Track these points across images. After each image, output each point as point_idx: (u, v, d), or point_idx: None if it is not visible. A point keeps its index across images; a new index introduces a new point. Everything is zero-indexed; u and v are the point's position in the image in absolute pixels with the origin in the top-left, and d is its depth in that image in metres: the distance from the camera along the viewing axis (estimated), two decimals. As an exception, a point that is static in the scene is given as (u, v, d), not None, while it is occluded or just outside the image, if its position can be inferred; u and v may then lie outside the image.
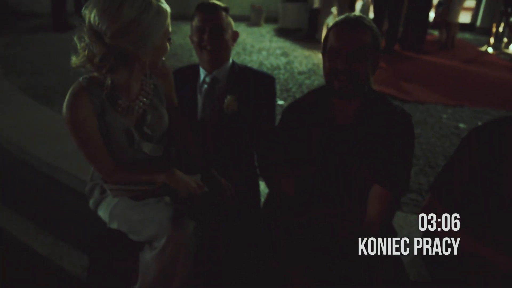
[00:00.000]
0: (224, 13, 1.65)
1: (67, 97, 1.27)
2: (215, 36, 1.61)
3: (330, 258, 1.21)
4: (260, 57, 5.85)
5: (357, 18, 1.28)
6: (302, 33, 7.72)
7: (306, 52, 6.30)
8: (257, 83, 1.74)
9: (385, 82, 4.83)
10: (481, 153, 1.26)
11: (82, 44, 1.22)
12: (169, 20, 1.30)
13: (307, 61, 5.78)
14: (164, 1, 1.28)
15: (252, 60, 5.61)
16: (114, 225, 1.40)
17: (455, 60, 6.29)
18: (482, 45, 7.34)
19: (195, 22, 1.65)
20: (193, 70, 1.77)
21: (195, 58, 1.72)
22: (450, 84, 5.03)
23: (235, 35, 1.72)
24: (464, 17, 9.27)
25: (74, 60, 1.25)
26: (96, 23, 1.18)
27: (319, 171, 1.38)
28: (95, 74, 1.27)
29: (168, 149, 1.54)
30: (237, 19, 9.16)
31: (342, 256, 1.22)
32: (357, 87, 1.28)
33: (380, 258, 1.20)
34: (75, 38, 1.23)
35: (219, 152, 1.71)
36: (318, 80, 4.92)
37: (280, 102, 4.04)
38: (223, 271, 1.38)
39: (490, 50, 7.07)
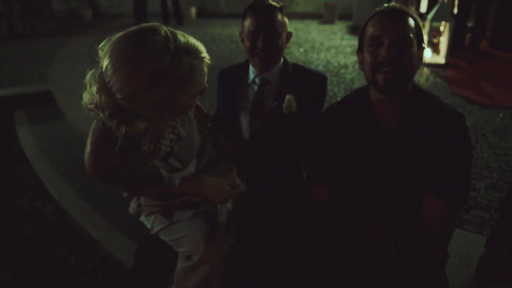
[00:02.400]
0: (279, 14, 1.56)
1: (89, 139, 1.14)
2: (269, 43, 1.54)
3: (335, 261, 1.12)
4: (328, 55, 5.68)
5: (397, 6, 1.20)
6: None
7: (378, 51, 5.97)
8: (311, 82, 1.67)
9: (463, 83, 4.38)
10: None
11: (93, 88, 1.00)
12: (205, 75, 1.05)
13: (377, 60, 5.46)
14: (202, 50, 1.03)
15: (319, 59, 5.47)
16: (155, 231, 1.41)
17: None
18: None
19: (248, 24, 1.56)
20: (243, 68, 1.75)
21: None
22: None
23: (289, 36, 1.66)
24: None
25: (85, 97, 1.04)
26: (107, 77, 0.95)
27: (354, 177, 1.27)
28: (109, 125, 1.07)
29: (200, 159, 1.45)
30: (309, 16, 9.13)
31: (347, 260, 1.13)
32: (404, 79, 1.16)
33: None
34: (87, 76, 1.01)
35: (270, 158, 1.68)
36: (387, 80, 4.61)
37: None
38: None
39: None
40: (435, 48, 5.30)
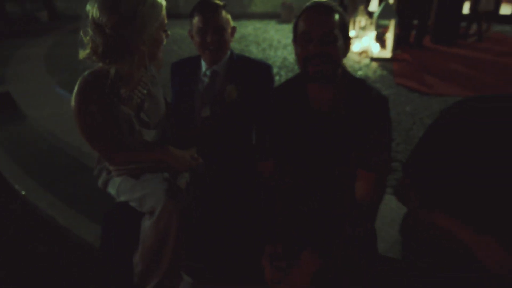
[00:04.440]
0: (223, 12, 1.71)
1: (75, 89, 1.40)
2: (216, 37, 1.69)
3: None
4: (285, 52, 5.96)
5: (325, 2, 1.32)
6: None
7: (331, 47, 6.32)
8: (255, 71, 1.82)
9: (407, 75, 4.80)
10: (451, 132, 1.28)
11: (87, 37, 1.37)
12: (164, 12, 1.44)
13: (330, 56, 5.81)
14: None
15: (277, 55, 5.74)
16: (121, 199, 1.58)
17: (489, 53, 6.05)
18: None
19: (196, 22, 1.71)
20: (195, 62, 1.87)
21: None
22: (477, 77, 4.89)
23: (233, 30, 1.80)
24: (506, 9, 8.84)
25: (81, 53, 1.38)
26: (98, 17, 1.32)
27: (299, 157, 1.44)
28: (100, 65, 1.41)
29: (165, 132, 1.69)
30: (268, 16, 9.37)
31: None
32: (331, 70, 1.30)
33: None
34: (80, 33, 1.38)
35: (222, 143, 1.83)
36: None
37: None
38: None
39: (530, 42, 6.71)
40: (383, 44, 5.71)
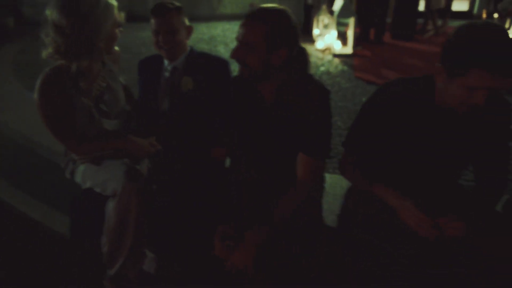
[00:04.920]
0: (176, 14, 1.84)
1: (38, 84, 1.54)
2: (168, 38, 1.83)
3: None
4: (250, 51, 6.15)
5: (259, 10, 1.38)
6: (299, 28, 7.93)
7: (297, 46, 6.57)
8: (212, 66, 1.96)
9: (366, 69, 5.10)
10: (385, 107, 1.44)
11: (49, 39, 1.51)
12: (116, 11, 1.62)
13: (295, 53, 6.04)
14: None
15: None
16: (87, 185, 1.71)
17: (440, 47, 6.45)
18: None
19: (152, 24, 1.87)
20: (159, 59, 2.01)
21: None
22: (431, 69, 5.22)
23: (189, 30, 1.94)
24: (462, 5, 9.35)
25: (44, 53, 1.52)
26: (58, 20, 1.47)
27: (250, 146, 1.58)
28: (62, 62, 1.54)
29: (127, 123, 1.84)
30: (237, 17, 9.46)
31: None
32: (253, 74, 1.40)
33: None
34: (42, 35, 1.51)
35: (184, 133, 1.98)
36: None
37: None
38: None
39: (482, 36, 7.14)
40: (344, 41, 6.00)
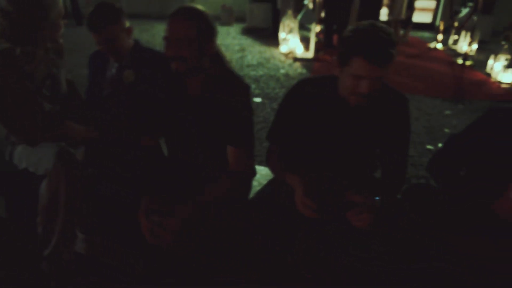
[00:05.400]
0: (112, 26, 1.89)
1: None
2: (107, 46, 1.94)
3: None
4: (218, 52, 6.30)
5: (184, 8, 1.48)
6: (268, 31, 8.16)
7: (262, 48, 6.77)
8: (154, 61, 2.03)
9: (323, 72, 5.26)
10: (298, 102, 1.59)
11: None
12: (61, 3, 1.75)
13: (259, 55, 6.24)
14: None
15: (209, 55, 6.06)
16: (23, 166, 1.80)
17: (401, 55, 6.78)
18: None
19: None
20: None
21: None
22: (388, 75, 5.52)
23: (129, 31, 2.02)
24: (425, 17, 9.79)
25: None
26: (5, 5, 1.60)
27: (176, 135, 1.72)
28: (7, 46, 1.62)
29: (67, 109, 1.93)
30: (209, 18, 9.57)
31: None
32: (188, 68, 1.49)
33: None
34: None
35: (123, 122, 2.08)
36: (263, 71, 5.40)
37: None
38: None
39: (439, 46, 7.53)
40: (307, 46, 6.23)
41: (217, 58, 1.61)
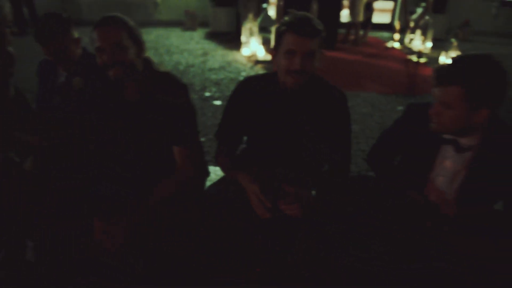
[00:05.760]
0: (61, 37, 1.95)
1: None
2: (57, 58, 1.98)
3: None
4: (180, 57, 6.33)
5: (109, 17, 1.54)
6: (231, 35, 8.22)
7: (225, 52, 6.83)
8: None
9: (283, 75, 5.45)
10: (243, 99, 1.69)
11: None
12: (6, 11, 1.77)
13: (222, 59, 6.30)
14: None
15: (172, 60, 6.09)
16: None
17: (360, 54, 7.03)
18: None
19: None
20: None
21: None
22: (344, 73, 5.72)
23: (78, 41, 2.08)
24: (384, 18, 10.14)
25: None
26: None
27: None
28: None
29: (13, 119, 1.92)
30: (173, 24, 9.61)
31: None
32: (125, 72, 1.53)
33: None
34: None
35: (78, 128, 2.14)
36: (224, 74, 5.46)
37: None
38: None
39: (396, 45, 7.83)
40: (268, 48, 6.35)
41: (148, 61, 1.67)
